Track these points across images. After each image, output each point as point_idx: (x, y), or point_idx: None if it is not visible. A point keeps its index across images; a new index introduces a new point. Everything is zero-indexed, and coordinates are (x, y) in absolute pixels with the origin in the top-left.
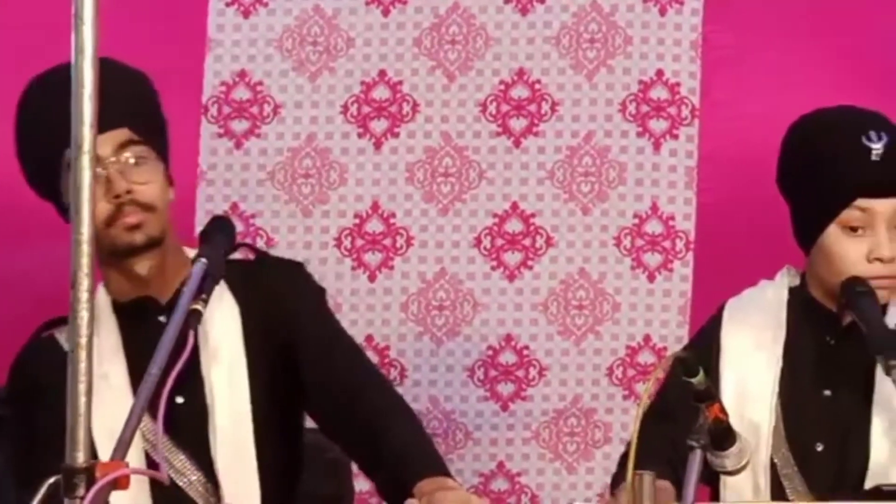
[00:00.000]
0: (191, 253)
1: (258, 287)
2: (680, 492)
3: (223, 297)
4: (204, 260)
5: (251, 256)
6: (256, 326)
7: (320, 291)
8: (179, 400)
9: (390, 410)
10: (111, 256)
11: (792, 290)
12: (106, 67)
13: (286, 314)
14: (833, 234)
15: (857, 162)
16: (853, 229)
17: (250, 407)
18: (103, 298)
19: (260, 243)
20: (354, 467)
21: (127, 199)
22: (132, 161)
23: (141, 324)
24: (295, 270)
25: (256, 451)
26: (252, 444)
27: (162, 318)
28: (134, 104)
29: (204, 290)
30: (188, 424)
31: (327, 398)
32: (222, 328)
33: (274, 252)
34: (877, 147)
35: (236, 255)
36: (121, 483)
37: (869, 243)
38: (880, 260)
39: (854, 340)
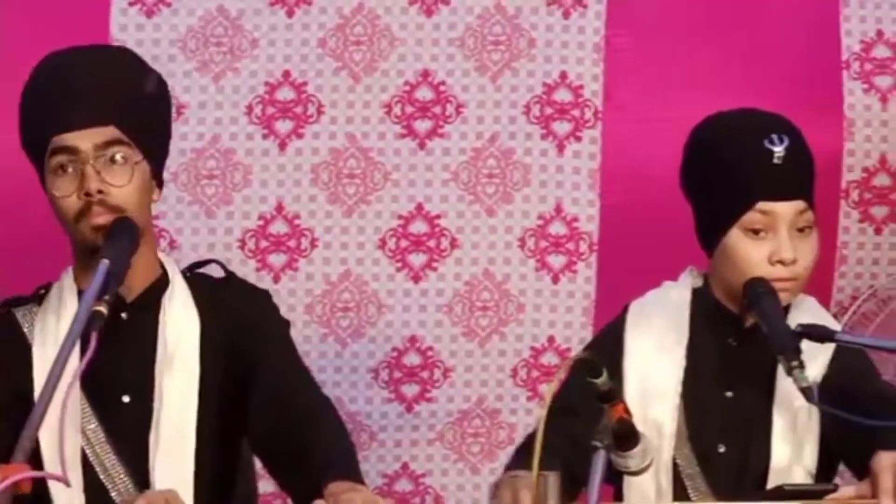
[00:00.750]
0: (161, 255)
1: (224, 306)
2: (569, 489)
3: (187, 306)
4: (107, 261)
5: (221, 274)
6: (215, 343)
7: (286, 323)
8: (126, 399)
9: (321, 423)
10: (79, 250)
11: (695, 292)
12: (104, 59)
13: (251, 339)
14: (735, 237)
15: (758, 165)
16: (755, 232)
17: (196, 420)
18: (69, 284)
19: (163, 244)
20: (259, 467)
21: (97, 198)
22: (112, 161)
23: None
24: (264, 298)
25: (195, 467)
26: (192, 459)
27: (124, 315)
28: (127, 101)
29: (107, 292)
30: (130, 426)
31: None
32: (180, 336)
33: (176, 254)
34: (778, 150)
35: (204, 270)
36: (22, 486)
37: (771, 246)
38: (782, 262)
39: (756, 342)
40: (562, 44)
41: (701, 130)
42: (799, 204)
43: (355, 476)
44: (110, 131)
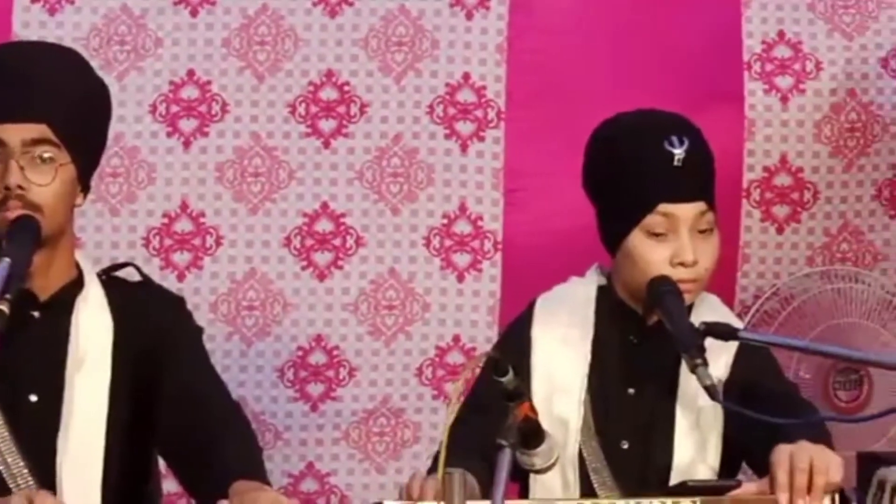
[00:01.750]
0: (78, 255)
1: (138, 311)
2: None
3: (101, 309)
4: (8, 259)
5: (136, 278)
6: (128, 347)
7: (199, 330)
8: (33, 398)
9: (228, 428)
10: None
11: (600, 289)
12: (49, 57)
13: (163, 344)
14: (637, 239)
15: (658, 168)
16: (657, 234)
17: (105, 423)
18: None
19: None
20: (163, 467)
21: (15, 193)
22: (38, 159)
23: (14, 313)
24: (178, 304)
25: (103, 470)
26: (100, 462)
27: (36, 314)
28: (64, 103)
29: (8, 291)
30: (37, 426)
31: (180, 428)
32: (93, 338)
33: (80, 252)
34: (678, 152)
35: (120, 273)
36: None
37: (672, 248)
38: (683, 264)
39: (658, 340)
40: (465, 45)
41: (602, 132)
42: (700, 206)
43: (260, 476)
44: (41, 129)
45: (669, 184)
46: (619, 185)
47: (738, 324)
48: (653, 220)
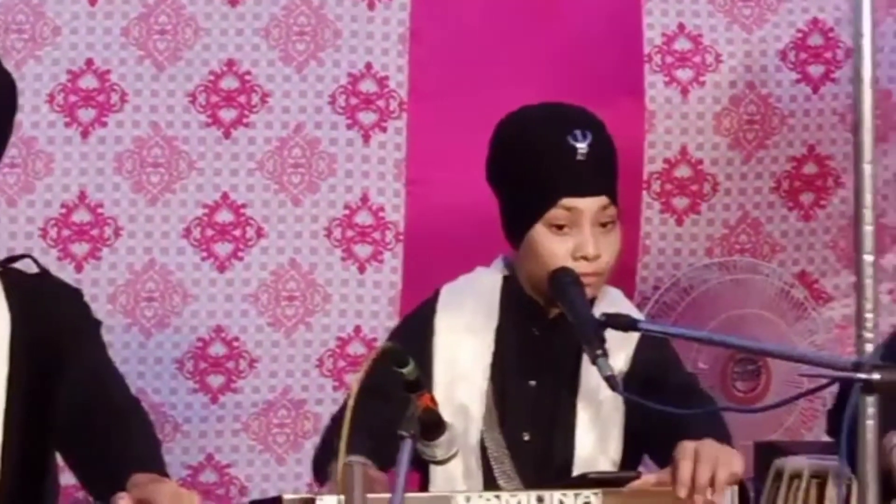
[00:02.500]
0: None
1: (36, 303)
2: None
3: None
4: None
5: (34, 270)
6: (26, 339)
7: (97, 323)
8: None
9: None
10: None
11: (505, 279)
12: None
13: (62, 338)
14: (540, 232)
15: (561, 162)
16: (559, 227)
17: (3, 417)
18: None
19: None
20: (59, 461)
21: None
22: None
23: None
24: (76, 297)
25: (0, 467)
26: None
27: None
28: None
29: None
30: None
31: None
32: None
33: None
34: (581, 146)
35: (18, 265)
36: None
37: (574, 241)
38: (585, 258)
39: (559, 333)
40: (367, 35)
41: (506, 126)
42: (602, 200)
43: (158, 468)
44: None
45: (572, 178)
46: (523, 178)
47: (639, 317)
48: (555, 213)
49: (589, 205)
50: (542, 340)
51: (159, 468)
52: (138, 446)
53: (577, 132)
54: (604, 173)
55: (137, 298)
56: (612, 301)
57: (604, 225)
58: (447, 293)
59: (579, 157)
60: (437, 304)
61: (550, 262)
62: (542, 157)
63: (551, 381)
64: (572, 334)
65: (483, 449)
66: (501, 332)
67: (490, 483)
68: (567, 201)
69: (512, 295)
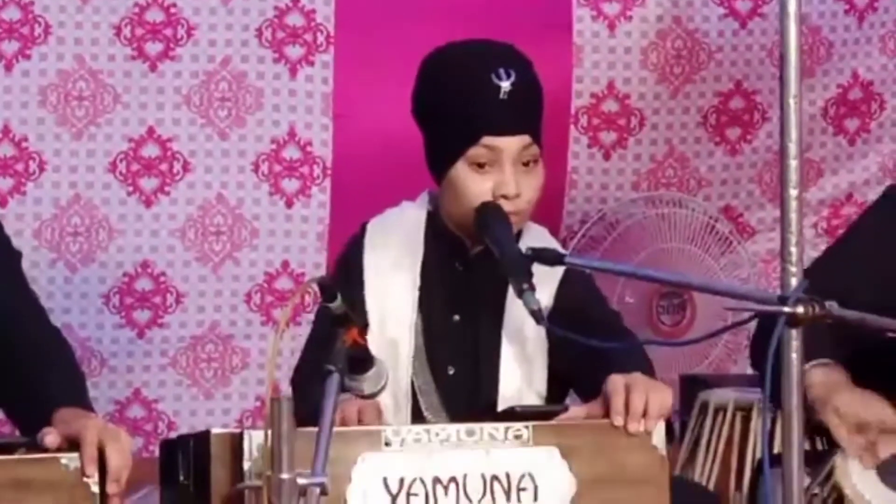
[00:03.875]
0: None
1: None
2: None
3: None
4: None
5: None
6: None
7: (18, 254)
8: None
9: (49, 355)
10: None
11: (430, 215)
12: None
13: None
14: (461, 170)
15: (483, 100)
16: (480, 165)
17: None
18: None
19: None
20: None
21: None
22: None
23: None
24: None
25: None
26: None
27: None
28: None
29: None
30: None
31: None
32: None
33: None
34: (504, 85)
35: None
36: None
37: (495, 180)
38: (505, 196)
39: (482, 269)
40: None
41: (431, 62)
42: (524, 139)
43: (84, 403)
44: None
45: (494, 116)
46: (446, 115)
47: (563, 253)
48: (476, 151)
49: (510, 144)
50: (465, 276)
51: (84, 403)
52: (62, 381)
53: (501, 70)
54: (526, 112)
55: (63, 233)
56: (535, 237)
57: (526, 164)
58: (373, 230)
59: (502, 96)
60: (364, 241)
61: (471, 200)
62: (465, 95)
63: (475, 316)
64: (496, 270)
65: (412, 383)
66: (427, 268)
67: (418, 418)
68: (488, 140)
69: (436, 231)
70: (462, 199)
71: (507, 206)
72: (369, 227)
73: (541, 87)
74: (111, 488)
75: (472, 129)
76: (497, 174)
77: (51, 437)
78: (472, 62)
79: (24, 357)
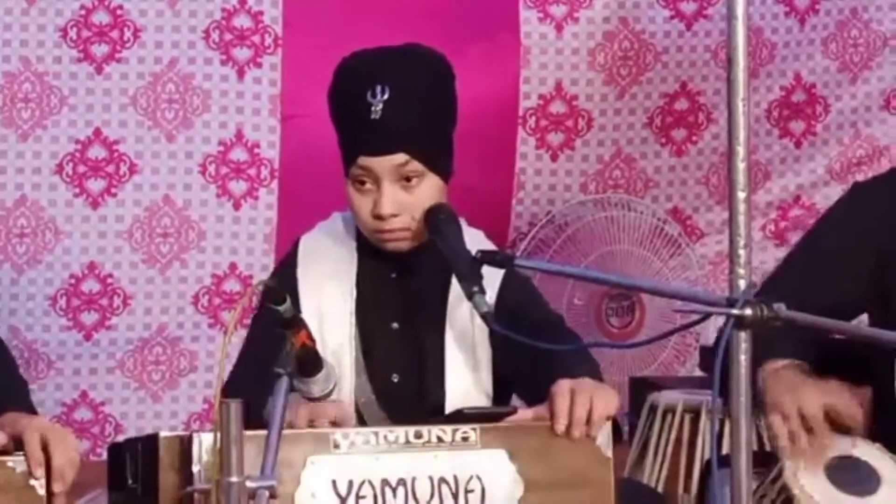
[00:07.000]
0: None
1: None
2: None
3: None
4: None
5: None
6: None
7: None
8: None
9: None
10: None
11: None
12: None
13: None
14: (349, 187)
15: (357, 121)
16: (361, 184)
17: None
18: None
19: None
20: None
21: None
22: None
23: None
24: None
25: None
26: None
27: None
28: None
29: None
30: None
31: None
32: None
33: None
34: (376, 104)
35: None
36: None
37: (373, 199)
38: (379, 217)
39: (417, 275)
40: None
41: (334, 74)
42: (397, 157)
43: (26, 406)
44: None
45: (365, 137)
46: (338, 132)
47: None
48: (354, 171)
49: (383, 164)
50: (399, 283)
51: (27, 406)
52: (5, 386)
53: (378, 87)
54: (400, 131)
55: (9, 235)
56: (473, 242)
57: (408, 179)
58: (305, 243)
59: (373, 116)
60: (298, 257)
61: (358, 217)
62: (345, 114)
63: (415, 323)
64: (432, 276)
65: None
66: (361, 278)
67: (363, 426)
68: (363, 160)
69: (367, 240)
70: (354, 216)
71: (383, 225)
72: (302, 241)
73: (429, 98)
74: (56, 487)
75: (350, 149)
76: (374, 194)
77: None
78: (351, 81)
79: None
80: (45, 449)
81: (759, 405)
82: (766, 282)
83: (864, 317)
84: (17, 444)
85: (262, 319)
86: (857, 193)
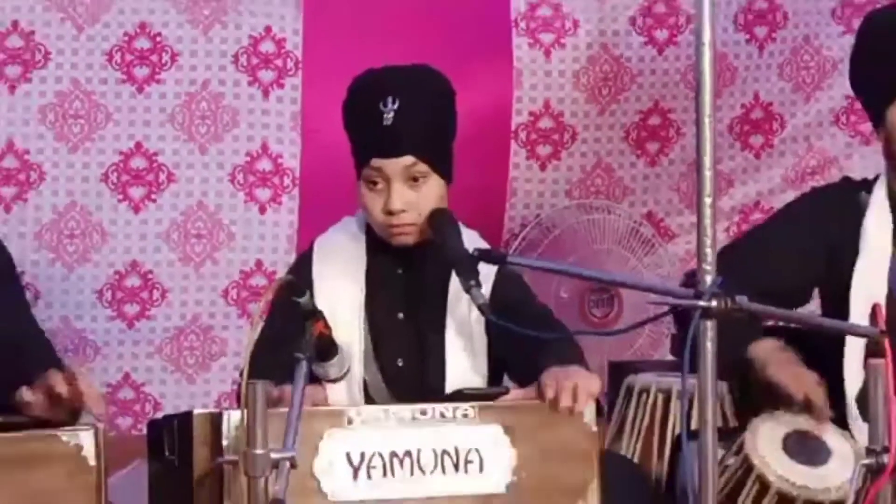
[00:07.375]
0: None
1: None
2: None
3: None
4: None
5: None
6: None
7: (10, 257)
8: None
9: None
10: None
11: (368, 227)
12: None
13: None
14: (362, 188)
15: (370, 127)
16: (374, 184)
17: None
18: None
19: None
20: None
21: None
22: None
23: None
24: None
25: None
26: None
27: None
28: None
29: None
30: None
31: None
32: None
33: None
34: (388, 113)
35: None
36: None
37: (383, 197)
38: (390, 213)
39: (421, 271)
40: (265, 1)
41: (348, 90)
42: (407, 159)
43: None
44: None
45: (378, 141)
46: (352, 139)
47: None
48: (367, 172)
49: (393, 165)
50: (405, 278)
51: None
52: (42, 354)
53: (389, 98)
54: (410, 135)
55: (61, 236)
56: (470, 241)
57: (416, 180)
58: (319, 245)
59: (385, 123)
60: (313, 258)
61: (371, 214)
62: (358, 123)
63: (418, 313)
64: (434, 272)
65: (364, 380)
66: (370, 273)
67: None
68: (375, 162)
69: (376, 241)
70: (366, 213)
71: (394, 220)
72: (316, 243)
73: (435, 109)
74: (96, 409)
75: (363, 153)
76: (385, 193)
77: (27, 392)
78: (365, 93)
79: (10, 337)
80: (72, 383)
81: (751, 375)
82: (725, 249)
83: (815, 307)
84: (71, 419)
85: (276, 311)
86: (815, 195)
